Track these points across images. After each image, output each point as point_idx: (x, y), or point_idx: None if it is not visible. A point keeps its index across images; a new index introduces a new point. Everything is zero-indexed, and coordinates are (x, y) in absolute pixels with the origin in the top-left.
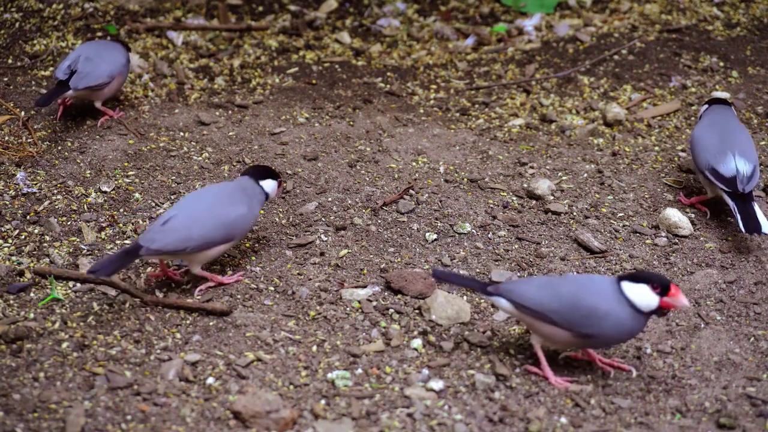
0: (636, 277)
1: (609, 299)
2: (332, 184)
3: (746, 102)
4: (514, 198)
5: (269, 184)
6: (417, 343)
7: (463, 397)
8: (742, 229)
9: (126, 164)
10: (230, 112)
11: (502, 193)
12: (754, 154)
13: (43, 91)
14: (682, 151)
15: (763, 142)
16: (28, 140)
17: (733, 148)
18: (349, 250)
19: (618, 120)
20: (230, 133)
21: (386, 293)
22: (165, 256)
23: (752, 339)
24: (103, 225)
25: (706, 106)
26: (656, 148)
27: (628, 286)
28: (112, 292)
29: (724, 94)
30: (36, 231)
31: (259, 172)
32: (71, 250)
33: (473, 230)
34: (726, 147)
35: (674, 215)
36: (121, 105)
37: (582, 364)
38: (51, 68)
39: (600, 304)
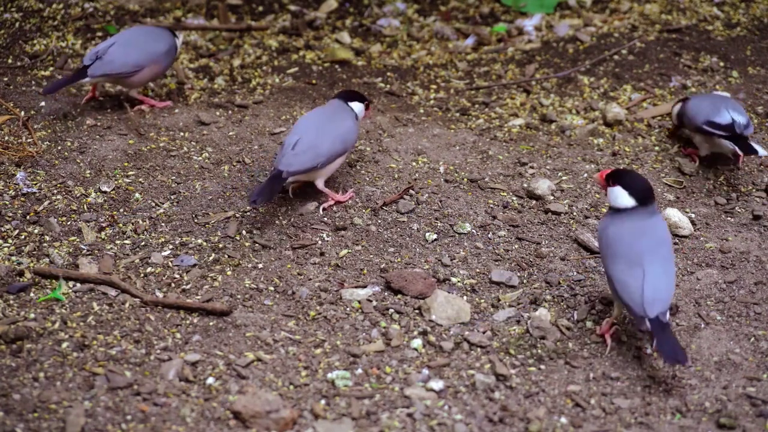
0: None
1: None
2: (332, 184)
3: (746, 102)
4: (514, 198)
5: (357, 106)
6: (417, 343)
7: (463, 397)
8: (739, 152)
9: (126, 164)
10: (230, 112)
11: (502, 193)
12: (744, 112)
13: None
14: (682, 149)
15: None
16: (28, 140)
17: (726, 106)
18: (349, 250)
19: (618, 120)
20: (230, 133)
21: (386, 293)
22: (302, 175)
23: (752, 339)
24: (103, 225)
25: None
26: (656, 148)
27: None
28: (112, 292)
29: (724, 95)
30: (36, 231)
31: (348, 94)
32: (71, 250)
33: (473, 230)
34: (719, 106)
35: (674, 215)
36: (163, 96)
37: (580, 364)
38: (51, 68)
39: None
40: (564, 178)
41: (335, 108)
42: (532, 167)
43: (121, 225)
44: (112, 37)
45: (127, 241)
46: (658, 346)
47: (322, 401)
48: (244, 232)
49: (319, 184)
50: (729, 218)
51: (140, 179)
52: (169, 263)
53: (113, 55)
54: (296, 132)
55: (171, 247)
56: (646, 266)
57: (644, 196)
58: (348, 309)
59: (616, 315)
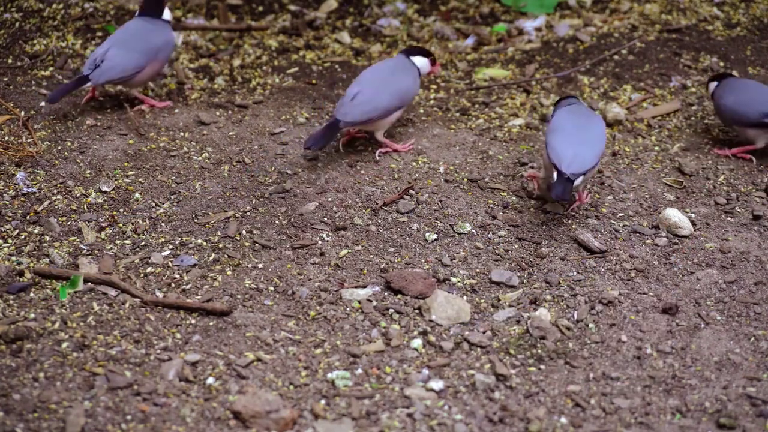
0: None
1: None
2: (332, 184)
3: None
4: (514, 198)
5: (420, 60)
6: (417, 343)
7: (463, 397)
8: None
9: (126, 164)
10: (230, 112)
11: (502, 193)
12: None
13: (44, 91)
14: (685, 149)
15: None
16: (28, 140)
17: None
18: (349, 250)
19: (618, 120)
20: (230, 133)
21: (386, 293)
22: (357, 125)
23: (752, 339)
24: (103, 225)
25: (716, 82)
26: (656, 148)
27: None
28: (112, 292)
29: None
30: (36, 231)
31: (411, 50)
32: (71, 250)
33: (473, 230)
34: (763, 95)
35: (674, 215)
36: (163, 96)
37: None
38: (51, 68)
39: None
40: None
41: (398, 63)
42: (532, 167)
43: (121, 225)
44: (108, 39)
45: (127, 241)
46: (552, 187)
47: (322, 401)
48: (244, 232)
49: (378, 135)
50: (729, 218)
51: (140, 179)
52: (169, 263)
53: (113, 60)
54: (357, 84)
55: (171, 247)
56: (576, 140)
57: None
58: (348, 309)
59: (542, 175)
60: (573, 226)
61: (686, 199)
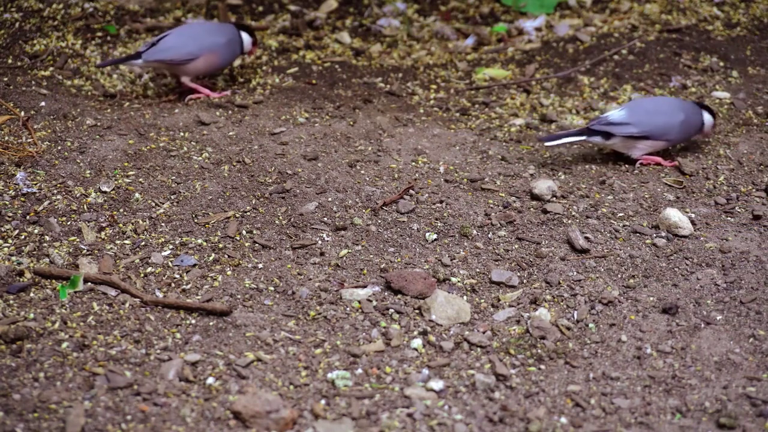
0: None
1: None
2: (332, 184)
3: (746, 102)
4: (514, 198)
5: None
6: (417, 343)
7: (463, 397)
8: None
9: (126, 164)
10: (230, 112)
11: (501, 194)
12: None
13: (44, 91)
14: (685, 149)
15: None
16: (28, 140)
17: None
18: (349, 250)
19: None
20: (230, 133)
21: (386, 293)
22: (623, 140)
23: (752, 339)
24: (103, 225)
25: None
26: None
27: None
28: (112, 292)
29: (724, 94)
30: (36, 231)
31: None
32: (71, 250)
33: (473, 230)
34: None
35: (674, 215)
36: (231, 86)
37: None
38: (51, 68)
39: None
40: (564, 178)
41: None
42: (532, 167)
43: (121, 225)
44: (175, 28)
45: (127, 241)
46: None
47: (322, 401)
48: (244, 232)
49: (635, 154)
50: (729, 218)
51: (140, 179)
52: (169, 263)
53: (168, 43)
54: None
55: (171, 247)
56: None
57: None
58: (348, 309)
59: None
60: (573, 226)
61: (686, 199)
